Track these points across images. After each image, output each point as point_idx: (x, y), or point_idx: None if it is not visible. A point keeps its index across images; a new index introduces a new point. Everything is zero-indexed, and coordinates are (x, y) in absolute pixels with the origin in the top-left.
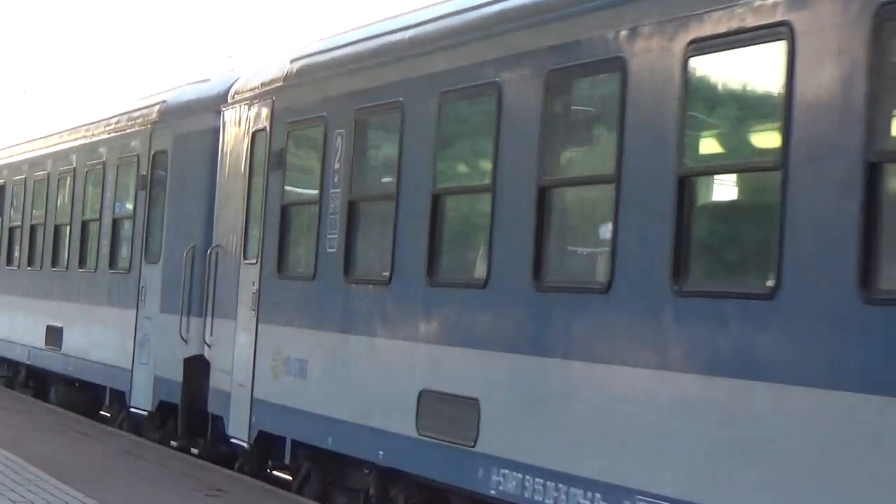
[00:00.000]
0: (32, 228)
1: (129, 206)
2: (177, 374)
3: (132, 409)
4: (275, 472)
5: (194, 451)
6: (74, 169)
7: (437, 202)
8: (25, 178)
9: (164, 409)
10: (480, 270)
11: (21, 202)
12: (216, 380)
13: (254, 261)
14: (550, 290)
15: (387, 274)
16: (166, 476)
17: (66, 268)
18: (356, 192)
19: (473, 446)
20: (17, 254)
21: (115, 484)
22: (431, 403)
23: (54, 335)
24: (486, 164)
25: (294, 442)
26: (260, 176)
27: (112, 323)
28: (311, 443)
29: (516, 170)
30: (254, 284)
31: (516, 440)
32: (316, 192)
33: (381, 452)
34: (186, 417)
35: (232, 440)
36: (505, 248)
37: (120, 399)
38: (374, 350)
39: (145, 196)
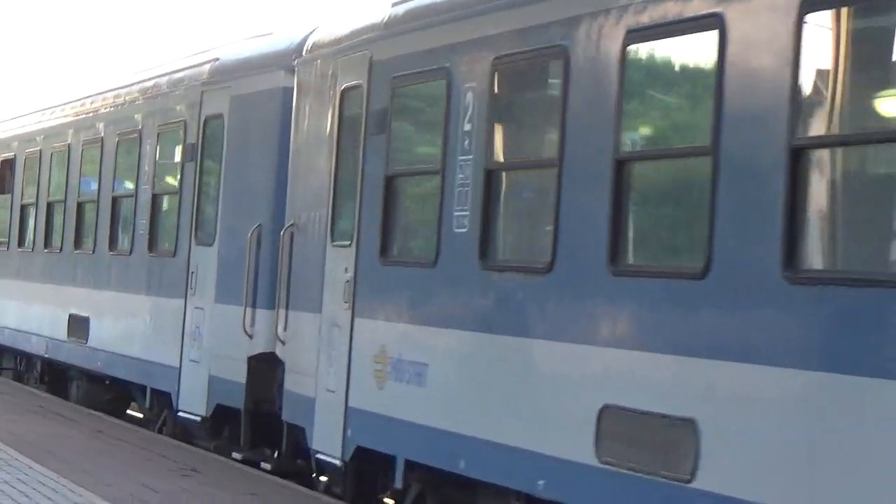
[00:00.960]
0: (50, 206)
1: (173, 181)
2: (239, 374)
3: (181, 414)
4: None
5: (265, 465)
6: (102, 138)
7: (621, 169)
8: (41, 150)
9: (220, 415)
10: (697, 253)
11: (35, 177)
12: (293, 383)
13: (346, 243)
14: (808, 282)
15: (546, 259)
16: (140, 456)
17: (94, 251)
18: (496, 160)
19: (689, 481)
20: (30, 234)
21: (88, 464)
22: (620, 422)
23: (79, 326)
24: (702, 120)
25: (407, 462)
26: (353, 142)
27: (153, 314)
28: (434, 464)
29: (755, 127)
30: (347, 271)
31: (753, 474)
32: (436, 159)
33: (542, 482)
34: (251, 425)
35: (318, 455)
36: (737, 225)
37: (162, 400)
38: (529, 354)
39: (195, 168)
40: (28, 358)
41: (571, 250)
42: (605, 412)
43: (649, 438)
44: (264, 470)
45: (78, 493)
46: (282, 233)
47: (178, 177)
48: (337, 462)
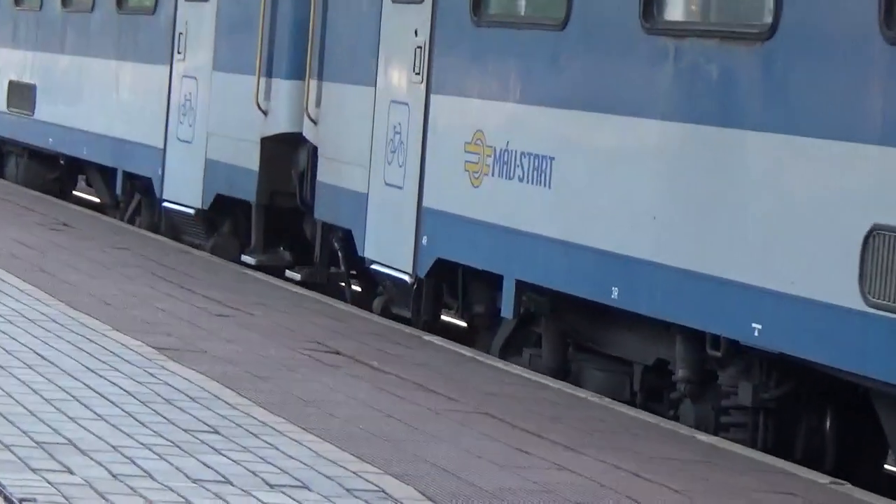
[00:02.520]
0: None
1: None
2: (248, 158)
3: (167, 205)
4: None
5: (292, 275)
6: None
7: None
8: None
9: (219, 208)
10: None
11: None
12: (331, 173)
13: None
14: None
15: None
16: (7, 210)
17: (41, 6)
18: None
19: None
20: None
21: None
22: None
23: (21, 95)
24: None
25: (519, 283)
26: None
27: (124, 84)
28: (567, 290)
29: None
30: (417, 34)
31: None
32: None
33: (758, 327)
34: (264, 222)
35: (374, 267)
36: None
37: (139, 186)
38: (728, 149)
39: None
40: None
41: None
42: (876, 236)
43: None
44: (291, 280)
45: None
46: None
47: None
48: (406, 277)
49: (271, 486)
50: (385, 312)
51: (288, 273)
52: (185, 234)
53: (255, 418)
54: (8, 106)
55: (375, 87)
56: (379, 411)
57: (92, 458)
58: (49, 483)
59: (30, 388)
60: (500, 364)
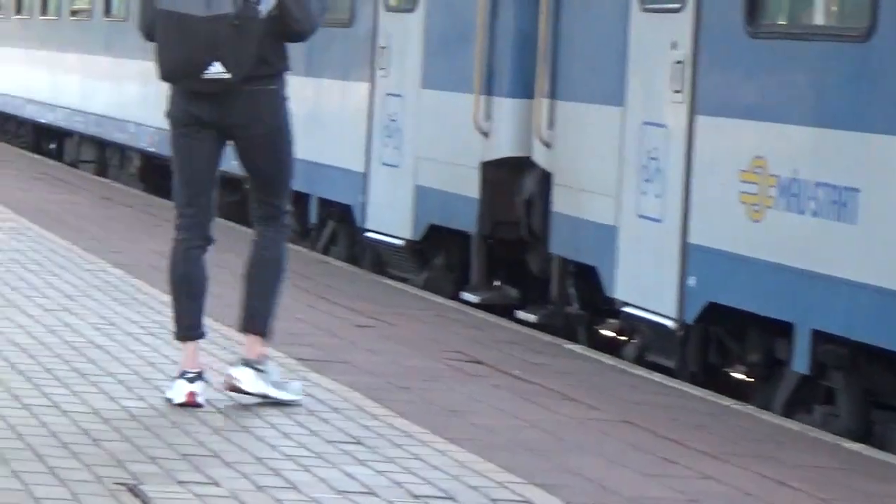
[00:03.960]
0: None
1: None
2: (466, 185)
3: (371, 235)
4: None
5: (523, 315)
6: None
7: None
8: None
9: (432, 238)
10: None
11: None
12: (569, 202)
13: (675, 5)
14: None
15: None
16: (148, 221)
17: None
18: None
19: None
20: (117, 1)
21: (97, 231)
22: None
23: None
24: None
25: (816, 335)
26: None
27: (317, 101)
28: (884, 344)
29: None
30: (676, 47)
31: None
32: None
33: None
34: (487, 256)
35: (626, 309)
36: None
37: (339, 214)
38: None
39: None
40: (123, 151)
41: None
42: None
43: None
44: (519, 321)
45: (89, 260)
46: None
47: None
48: (669, 323)
49: (416, 497)
50: (640, 361)
51: (520, 314)
52: (392, 268)
53: (397, 429)
54: None
55: (624, 106)
56: (522, 421)
57: (237, 470)
58: (195, 495)
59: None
60: (643, 372)
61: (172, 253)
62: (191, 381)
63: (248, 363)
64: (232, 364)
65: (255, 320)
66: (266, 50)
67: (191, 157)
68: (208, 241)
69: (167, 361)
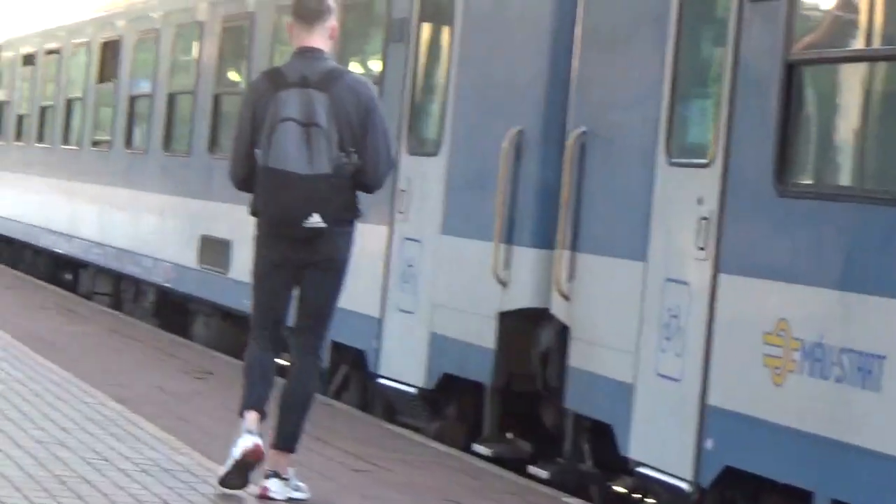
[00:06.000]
0: (171, 98)
1: (372, 66)
2: (482, 335)
3: (384, 381)
4: None
5: (535, 471)
6: (252, 14)
7: None
8: (159, 30)
9: (448, 388)
10: None
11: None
12: (586, 357)
13: (701, 161)
14: None
15: None
16: (153, 355)
17: None
18: None
19: None
20: (138, 132)
21: (101, 363)
22: None
23: (216, 252)
24: None
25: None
26: (709, 9)
27: None
28: None
29: None
30: (701, 203)
31: None
32: None
33: None
34: (501, 408)
35: (641, 470)
36: None
37: (351, 359)
38: None
39: (405, 51)
40: (137, 284)
41: None
42: None
43: None
44: (528, 475)
45: (90, 393)
46: (569, 141)
47: (381, 62)
48: (684, 486)
49: None
50: None
51: (531, 469)
52: (404, 416)
53: None
54: (200, 262)
55: (646, 261)
56: None
57: None
58: None
59: None
60: None
61: (248, 353)
62: (266, 477)
63: (276, 474)
64: (266, 476)
65: (286, 440)
66: (349, 199)
67: (275, 292)
68: (280, 346)
69: (157, 500)
